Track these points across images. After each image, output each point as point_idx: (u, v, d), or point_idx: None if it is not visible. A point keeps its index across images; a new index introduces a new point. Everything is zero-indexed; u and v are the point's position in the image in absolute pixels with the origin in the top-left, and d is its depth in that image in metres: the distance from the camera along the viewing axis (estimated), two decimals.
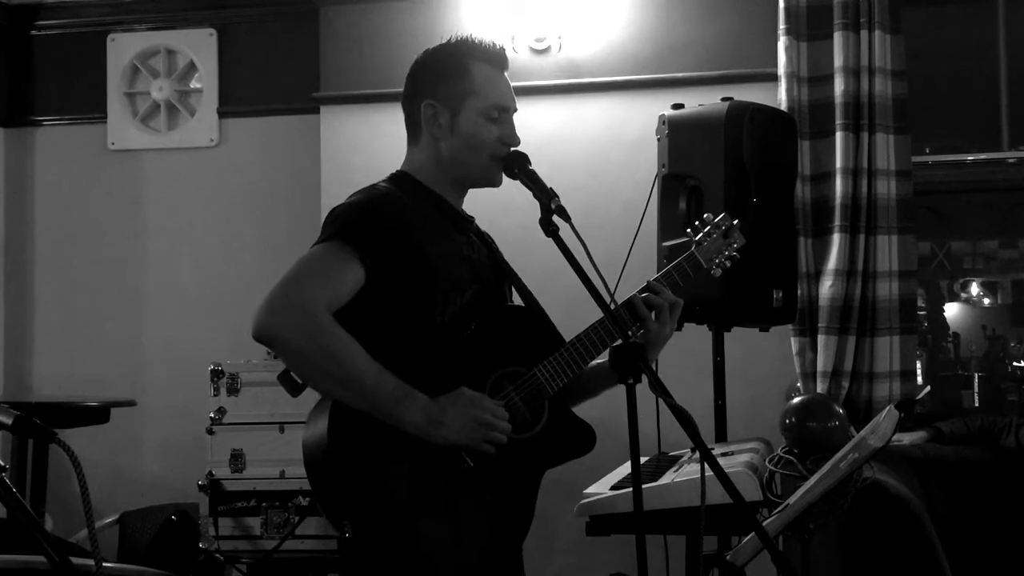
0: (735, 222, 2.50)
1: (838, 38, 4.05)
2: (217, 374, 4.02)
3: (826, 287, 4.00)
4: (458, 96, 2.31)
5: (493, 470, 2.17)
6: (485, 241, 2.44)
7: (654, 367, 2.32)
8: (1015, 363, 6.38)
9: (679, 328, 2.45)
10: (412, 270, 2.20)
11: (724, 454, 3.03)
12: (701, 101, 3.55)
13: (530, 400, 2.24)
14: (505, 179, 2.34)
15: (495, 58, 2.36)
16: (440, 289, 2.23)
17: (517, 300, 2.43)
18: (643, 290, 2.34)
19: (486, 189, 2.39)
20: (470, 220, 2.42)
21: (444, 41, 2.38)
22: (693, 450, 2.94)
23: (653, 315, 2.30)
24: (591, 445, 2.30)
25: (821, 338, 4.00)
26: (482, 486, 2.16)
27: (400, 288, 2.19)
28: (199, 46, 4.96)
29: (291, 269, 2.15)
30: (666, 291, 2.34)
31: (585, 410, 2.38)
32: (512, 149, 2.32)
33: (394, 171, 2.40)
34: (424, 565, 2.11)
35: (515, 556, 2.33)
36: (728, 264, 2.48)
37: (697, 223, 2.50)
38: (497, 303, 2.36)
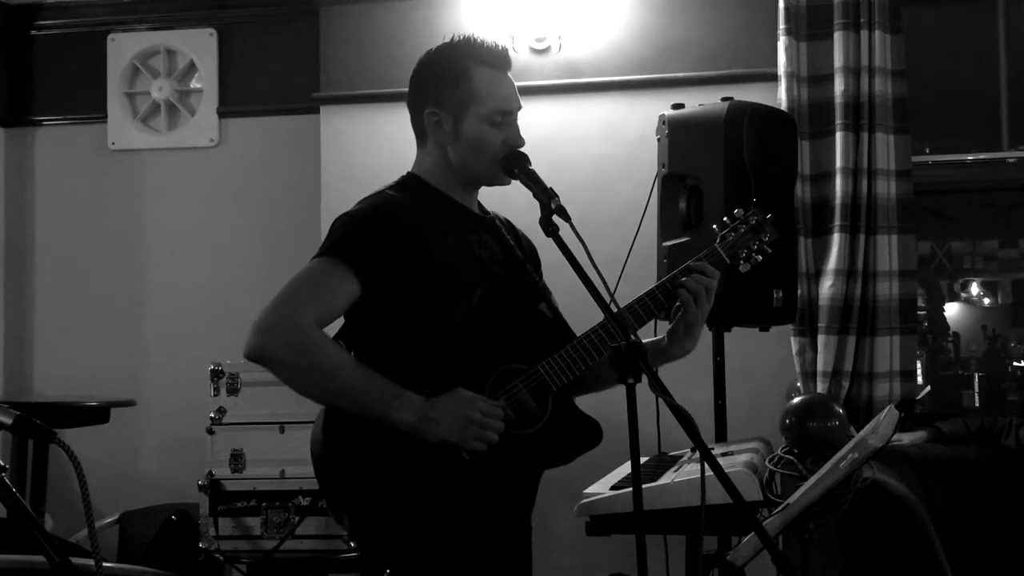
0: (768, 216, 2.44)
1: (838, 38, 4.05)
2: (217, 374, 4.02)
3: (826, 287, 4.00)
4: (460, 102, 2.30)
5: (493, 464, 2.18)
6: (500, 237, 2.39)
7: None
8: (1015, 363, 6.38)
9: None
10: (416, 276, 2.21)
11: (724, 454, 3.03)
12: (701, 101, 3.56)
13: (534, 396, 2.24)
14: None
15: (497, 60, 2.33)
16: (447, 293, 2.24)
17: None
18: (680, 273, 2.31)
19: (486, 189, 2.40)
20: (482, 217, 2.41)
21: (446, 41, 2.36)
22: (693, 450, 2.94)
23: (693, 299, 2.29)
24: (597, 440, 2.29)
25: (821, 338, 3.99)
26: (481, 479, 2.17)
27: (405, 295, 2.21)
28: (199, 46, 4.96)
29: (283, 288, 2.18)
30: (707, 267, 2.32)
31: (585, 410, 2.38)
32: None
33: (404, 173, 2.39)
34: (422, 560, 2.12)
35: (518, 549, 2.34)
36: (759, 258, 2.42)
37: (726, 218, 2.44)
38: (510, 301, 2.33)
